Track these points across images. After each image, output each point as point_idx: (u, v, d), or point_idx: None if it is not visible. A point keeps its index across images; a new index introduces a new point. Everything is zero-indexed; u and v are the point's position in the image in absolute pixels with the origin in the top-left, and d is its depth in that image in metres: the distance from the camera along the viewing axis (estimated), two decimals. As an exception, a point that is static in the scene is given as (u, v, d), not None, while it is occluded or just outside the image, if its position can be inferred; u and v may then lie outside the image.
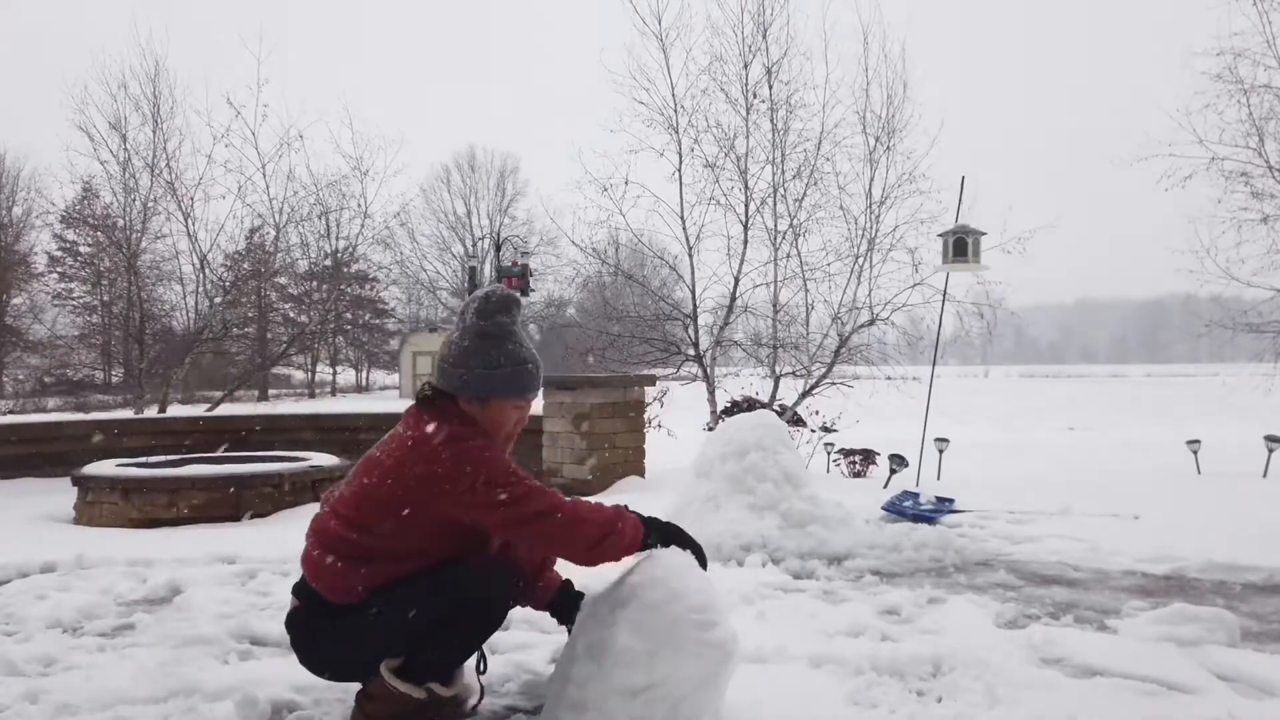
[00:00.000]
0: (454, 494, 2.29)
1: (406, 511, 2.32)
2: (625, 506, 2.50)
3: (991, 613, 3.64)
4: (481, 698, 2.65)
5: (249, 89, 14.20)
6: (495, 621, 2.43)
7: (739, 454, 5.24)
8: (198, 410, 14.21)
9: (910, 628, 3.46)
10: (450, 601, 2.32)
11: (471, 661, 2.59)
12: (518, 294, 2.55)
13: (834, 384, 12.19)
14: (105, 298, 26.67)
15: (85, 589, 4.11)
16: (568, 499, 2.40)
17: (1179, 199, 11.62)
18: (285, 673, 2.89)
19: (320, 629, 2.41)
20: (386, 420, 9.67)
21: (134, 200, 15.47)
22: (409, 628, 2.32)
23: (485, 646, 2.72)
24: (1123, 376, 69.87)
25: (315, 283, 17.87)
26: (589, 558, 2.39)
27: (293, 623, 2.49)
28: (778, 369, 12.25)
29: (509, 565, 2.51)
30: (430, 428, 2.38)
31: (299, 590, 2.49)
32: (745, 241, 12.30)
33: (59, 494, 7.03)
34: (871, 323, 12.08)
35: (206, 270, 15.23)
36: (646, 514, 2.53)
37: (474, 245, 45.34)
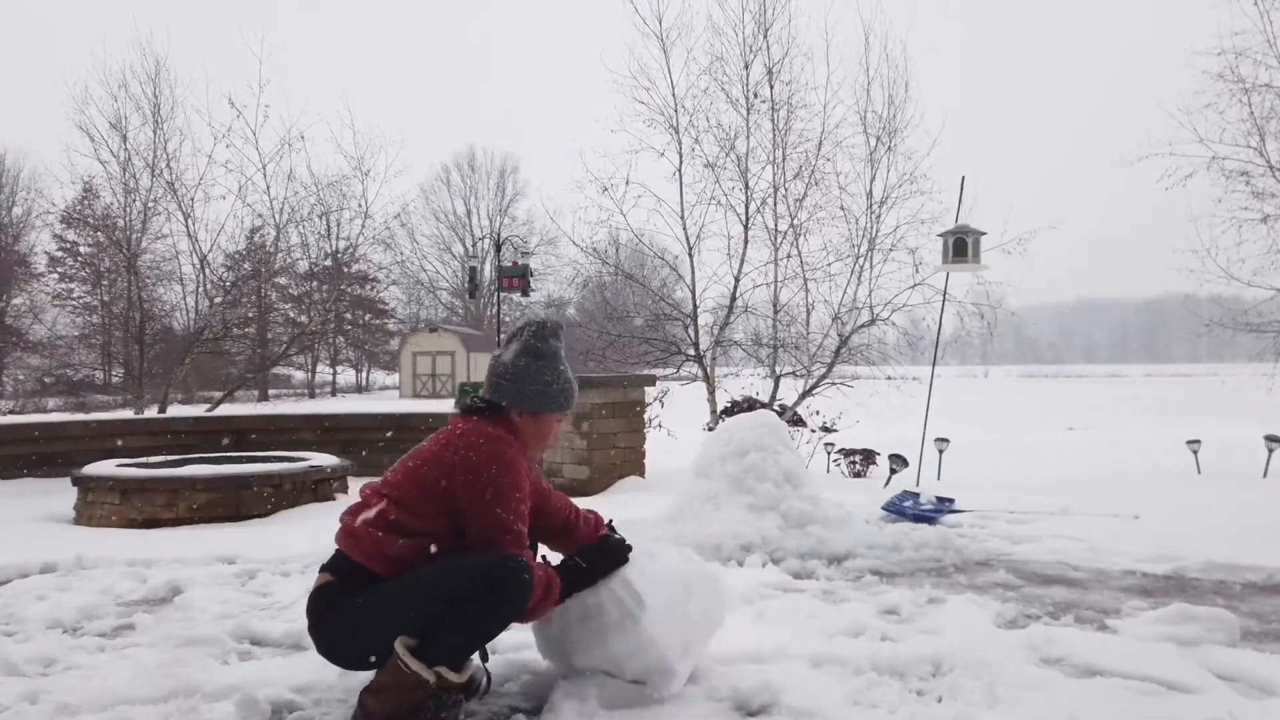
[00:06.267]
0: (467, 483, 2.46)
1: (443, 495, 2.48)
2: (545, 560, 2.71)
3: (991, 613, 3.64)
4: (489, 684, 2.72)
5: (250, 89, 14.22)
6: (514, 614, 2.46)
7: (739, 454, 5.25)
8: (198, 410, 14.21)
9: (910, 628, 3.46)
10: (471, 588, 2.38)
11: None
12: (562, 324, 2.84)
13: (834, 384, 12.20)
14: (105, 298, 26.66)
15: (85, 589, 4.11)
16: (529, 563, 2.51)
17: (1180, 198, 11.63)
18: (285, 673, 2.89)
19: (341, 604, 2.48)
20: (386, 420, 9.67)
21: (134, 200, 15.49)
22: (424, 608, 2.39)
23: (489, 648, 2.77)
24: (1123, 376, 69.82)
25: (315, 283, 17.87)
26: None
27: (316, 598, 2.54)
28: (778, 369, 12.25)
29: (528, 561, 2.55)
30: (481, 422, 2.61)
31: (329, 566, 2.56)
32: (745, 241, 12.31)
33: (59, 494, 7.04)
34: (872, 323, 12.09)
35: (206, 270, 15.24)
36: (560, 559, 2.76)
37: (474, 245, 45.39)
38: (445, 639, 2.41)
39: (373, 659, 2.47)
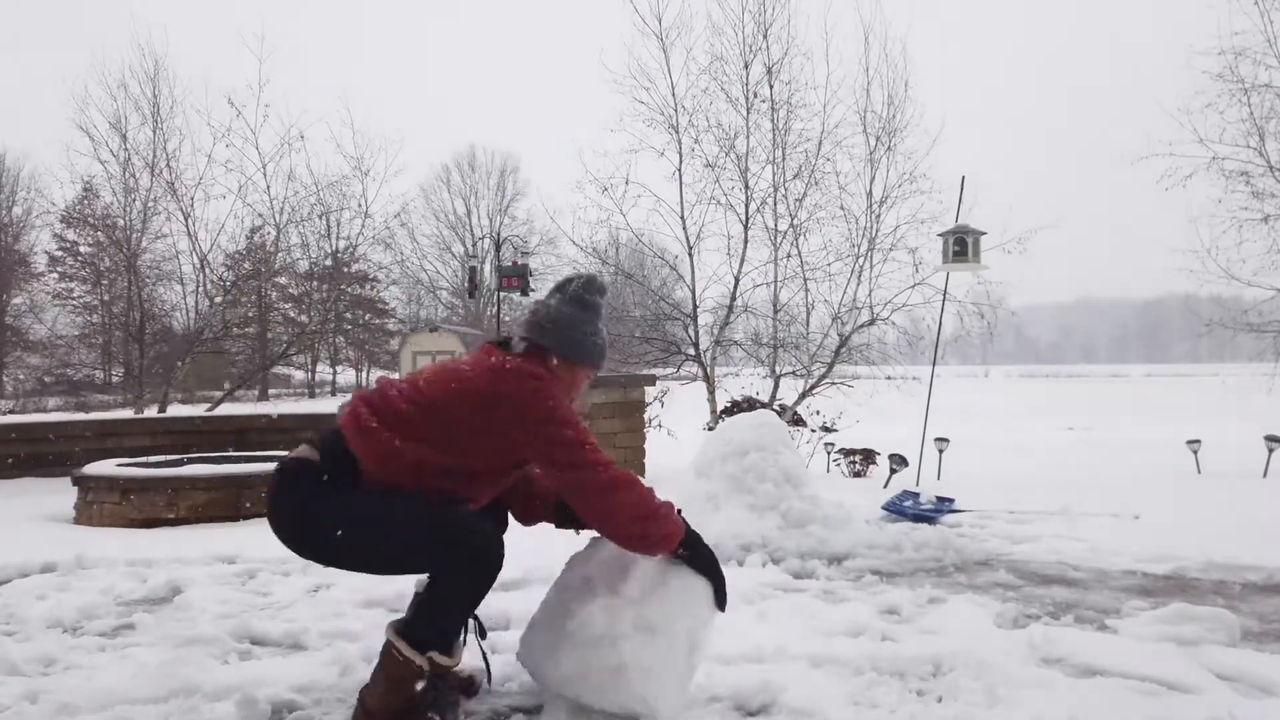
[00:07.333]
0: (526, 420, 2.42)
1: (478, 421, 2.43)
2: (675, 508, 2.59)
3: (991, 613, 3.64)
4: (489, 683, 2.74)
5: (250, 89, 14.18)
6: (487, 580, 2.44)
7: (739, 454, 5.25)
8: (198, 410, 14.21)
9: (910, 628, 3.46)
10: (440, 555, 2.37)
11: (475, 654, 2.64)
12: (607, 285, 2.82)
13: (834, 384, 12.19)
14: (105, 297, 26.66)
15: (85, 589, 4.11)
16: (632, 474, 2.51)
17: (1180, 198, 11.63)
18: (285, 673, 2.89)
19: (316, 497, 2.42)
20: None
21: (134, 200, 15.47)
22: (390, 560, 2.42)
23: (487, 647, 2.78)
24: (1123, 376, 69.82)
25: (315, 283, 17.85)
26: (624, 534, 2.48)
27: (293, 474, 2.48)
28: (778, 369, 12.25)
29: (501, 528, 2.59)
30: (525, 360, 2.54)
31: (319, 443, 2.50)
32: (745, 241, 12.30)
33: (59, 494, 7.03)
34: (872, 323, 12.08)
35: (207, 270, 15.23)
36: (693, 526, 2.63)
37: (474, 245, 45.36)
38: (431, 622, 2.42)
39: (323, 551, 2.47)
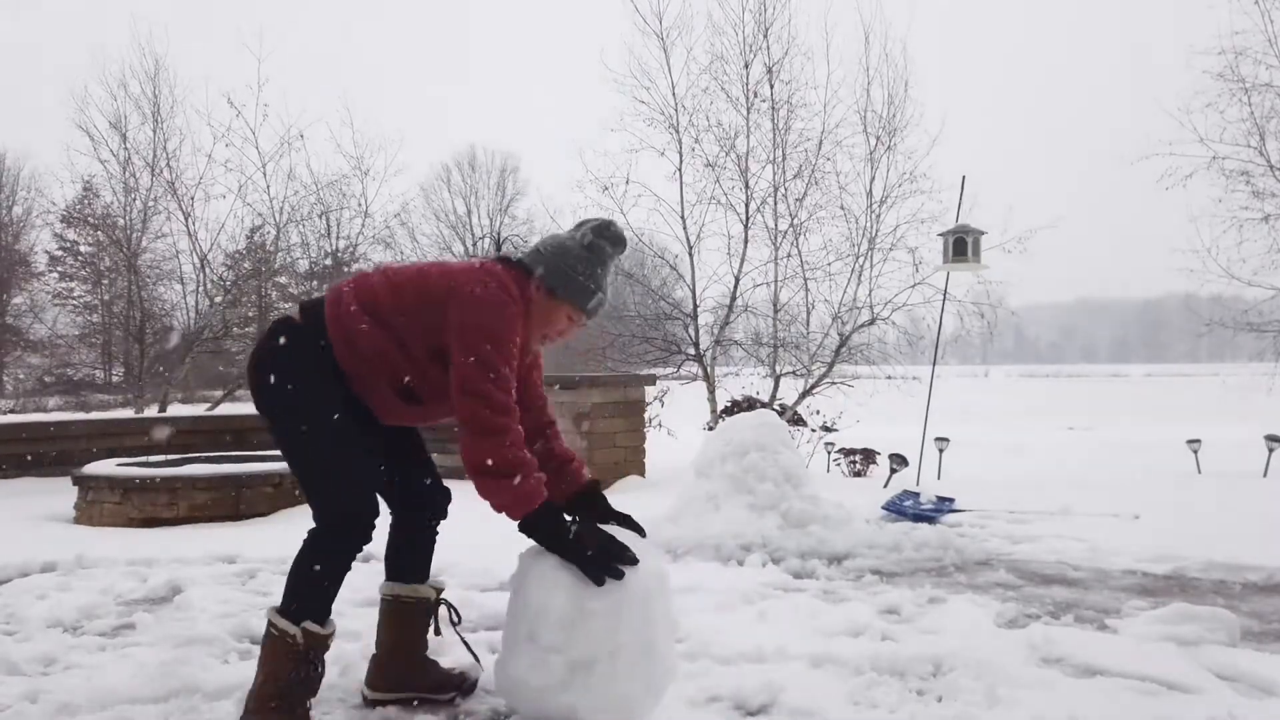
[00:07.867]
0: (458, 313, 2.37)
1: (429, 307, 2.43)
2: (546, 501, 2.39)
3: (991, 612, 3.64)
4: (479, 661, 2.75)
5: (249, 88, 14.16)
6: (349, 552, 2.53)
7: (739, 454, 5.25)
8: (198, 410, 14.20)
9: (910, 627, 3.46)
10: (321, 502, 2.50)
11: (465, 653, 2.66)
12: (625, 240, 2.71)
13: (834, 383, 12.18)
14: (105, 297, 26.64)
15: (85, 589, 4.11)
16: (515, 430, 2.36)
17: (1180, 198, 11.63)
18: (285, 672, 2.89)
19: (285, 375, 2.48)
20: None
21: (134, 199, 15.46)
22: (299, 469, 2.53)
23: (484, 645, 2.79)
24: (1123, 376, 69.81)
25: (316, 282, 17.84)
26: (476, 484, 2.35)
27: (280, 335, 2.52)
28: (778, 368, 12.24)
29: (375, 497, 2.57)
30: (502, 270, 2.50)
31: (308, 309, 2.56)
32: (746, 241, 12.29)
33: (59, 494, 7.03)
34: (872, 322, 12.08)
35: (207, 270, 15.21)
36: (580, 517, 2.48)
37: (474, 245, 45.34)
38: (298, 590, 2.48)
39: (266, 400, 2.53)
